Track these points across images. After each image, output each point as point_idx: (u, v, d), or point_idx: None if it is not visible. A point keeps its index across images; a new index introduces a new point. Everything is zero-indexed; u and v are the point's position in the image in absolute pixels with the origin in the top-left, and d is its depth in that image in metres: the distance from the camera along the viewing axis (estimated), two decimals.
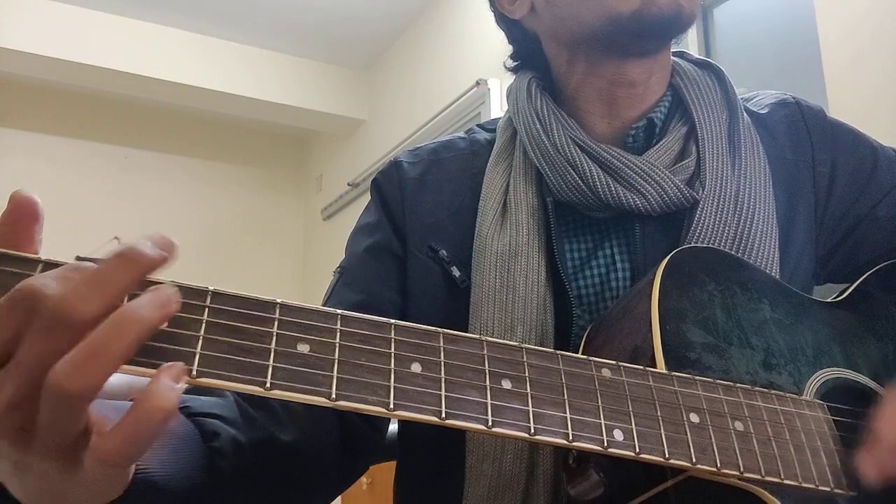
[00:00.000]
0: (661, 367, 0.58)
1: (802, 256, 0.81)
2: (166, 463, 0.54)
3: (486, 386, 0.49)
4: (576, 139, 0.79)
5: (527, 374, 0.51)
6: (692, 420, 0.55)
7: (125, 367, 0.40)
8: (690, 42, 2.72)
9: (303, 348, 0.45)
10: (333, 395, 0.44)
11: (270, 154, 5.66)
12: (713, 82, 0.85)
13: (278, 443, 0.67)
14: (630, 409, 0.53)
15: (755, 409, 0.58)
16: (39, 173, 4.72)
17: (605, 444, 0.51)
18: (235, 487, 0.63)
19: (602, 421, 0.51)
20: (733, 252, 0.73)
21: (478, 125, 0.95)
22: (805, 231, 0.82)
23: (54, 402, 0.38)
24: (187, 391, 0.66)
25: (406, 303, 0.82)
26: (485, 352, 0.50)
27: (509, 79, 0.93)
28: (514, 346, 0.52)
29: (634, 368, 0.56)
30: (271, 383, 0.43)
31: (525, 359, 0.52)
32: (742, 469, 0.55)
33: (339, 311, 0.47)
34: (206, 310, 0.44)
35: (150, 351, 0.41)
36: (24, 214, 0.43)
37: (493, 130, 0.91)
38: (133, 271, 0.40)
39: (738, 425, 0.57)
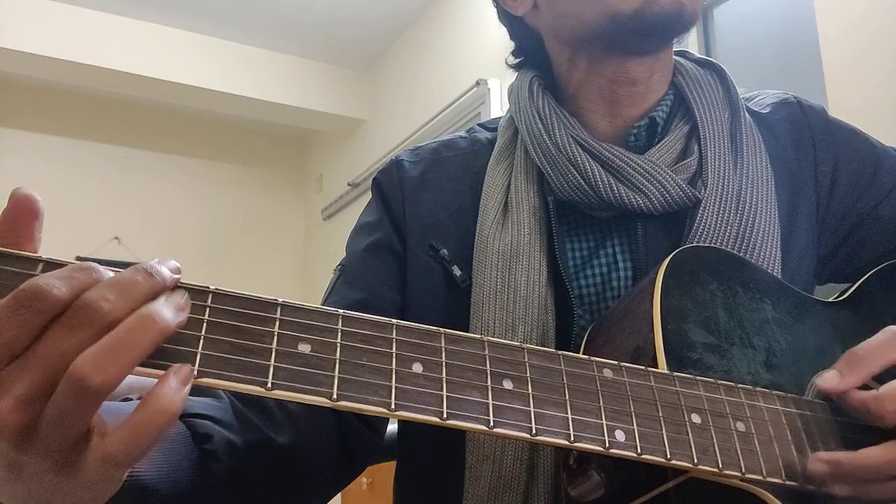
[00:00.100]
0: (662, 367, 0.58)
1: (804, 256, 0.81)
2: (156, 465, 0.54)
3: (487, 386, 0.49)
4: (577, 138, 0.78)
5: (528, 375, 0.51)
6: (694, 420, 0.55)
7: None
8: (690, 42, 2.72)
9: (304, 348, 0.45)
10: (335, 396, 0.44)
11: (270, 154, 5.66)
12: (715, 81, 0.85)
13: (274, 445, 0.67)
14: (632, 409, 0.53)
15: (757, 410, 0.58)
16: (39, 173, 4.72)
17: (607, 444, 0.51)
18: (229, 490, 0.62)
19: (604, 421, 0.51)
20: (735, 251, 0.73)
21: (479, 124, 0.95)
22: (807, 230, 0.82)
23: (73, 395, 0.38)
24: None
25: (406, 302, 0.82)
26: (486, 352, 0.50)
27: (509, 79, 0.92)
28: (516, 346, 0.52)
29: (636, 369, 0.55)
30: (272, 383, 0.43)
31: (526, 359, 0.51)
32: (744, 470, 0.54)
33: (340, 311, 0.47)
34: (208, 309, 0.44)
35: (153, 351, 0.41)
36: (24, 212, 0.43)
37: (495, 129, 0.91)
38: (154, 283, 0.42)
39: (740, 426, 0.56)
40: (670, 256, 0.65)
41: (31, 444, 0.39)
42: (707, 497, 0.56)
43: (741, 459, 0.55)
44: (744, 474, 0.54)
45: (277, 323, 0.45)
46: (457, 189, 0.86)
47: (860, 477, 0.56)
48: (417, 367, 0.47)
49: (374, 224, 0.87)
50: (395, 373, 0.46)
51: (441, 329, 0.50)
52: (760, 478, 0.55)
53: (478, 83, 3.68)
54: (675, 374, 0.57)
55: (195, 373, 0.42)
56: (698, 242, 0.73)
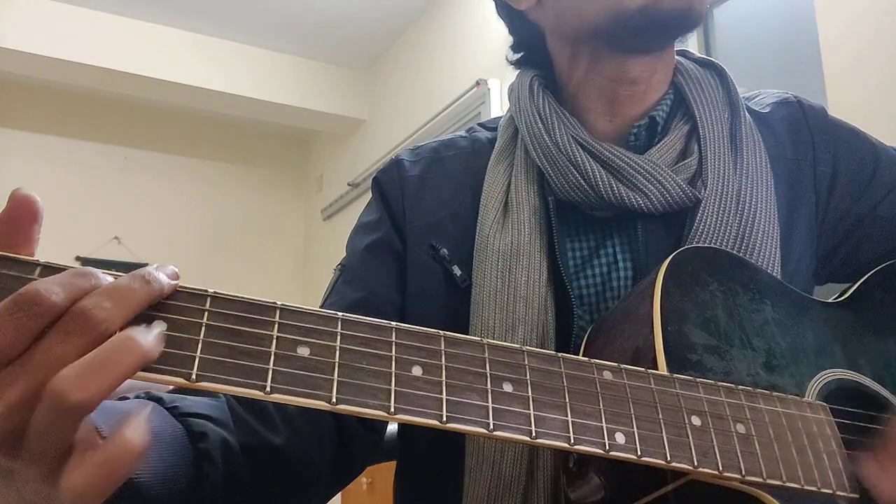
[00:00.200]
0: (662, 368, 0.58)
1: (803, 256, 0.81)
2: (151, 465, 0.54)
3: (487, 389, 0.49)
4: (578, 138, 0.78)
5: (528, 377, 0.51)
6: (694, 423, 0.55)
7: None
8: (690, 42, 2.71)
9: (303, 351, 0.45)
10: (334, 399, 0.44)
11: (270, 154, 5.66)
12: (715, 81, 0.85)
13: (270, 446, 0.67)
14: (632, 411, 0.53)
15: (757, 412, 0.58)
16: (39, 173, 4.73)
17: (607, 447, 0.50)
18: (225, 490, 0.62)
19: (604, 424, 0.51)
20: (735, 252, 0.73)
21: (479, 124, 0.95)
22: (806, 230, 0.82)
23: (53, 410, 0.37)
24: (179, 392, 0.66)
25: (406, 301, 0.82)
26: (486, 354, 0.50)
27: (509, 79, 0.92)
28: (516, 348, 0.52)
29: (636, 371, 0.55)
30: (271, 387, 0.43)
31: (526, 361, 0.51)
32: (744, 472, 0.54)
33: (339, 314, 0.47)
34: (206, 313, 0.44)
35: None
36: (23, 213, 0.43)
37: (495, 129, 0.91)
38: (151, 290, 0.42)
39: (740, 428, 0.56)
40: (670, 257, 0.65)
41: (20, 451, 0.39)
42: (707, 499, 0.56)
43: (741, 462, 0.54)
44: (744, 476, 0.54)
45: (276, 326, 0.45)
46: (457, 188, 0.86)
47: None
48: (417, 371, 0.47)
49: (374, 223, 0.87)
50: (395, 376, 0.46)
51: (441, 332, 0.50)
52: (761, 480, 0.55)
53: (478, 83, 3.68)
54: (675, 375, 0.57)
55: (194, 376, 0.42)
56: (698, 243, 0.73)
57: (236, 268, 5.13)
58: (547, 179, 0.80)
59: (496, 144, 0.87)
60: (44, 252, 0.43)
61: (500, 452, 0.71)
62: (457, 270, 0.80)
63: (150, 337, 0.40)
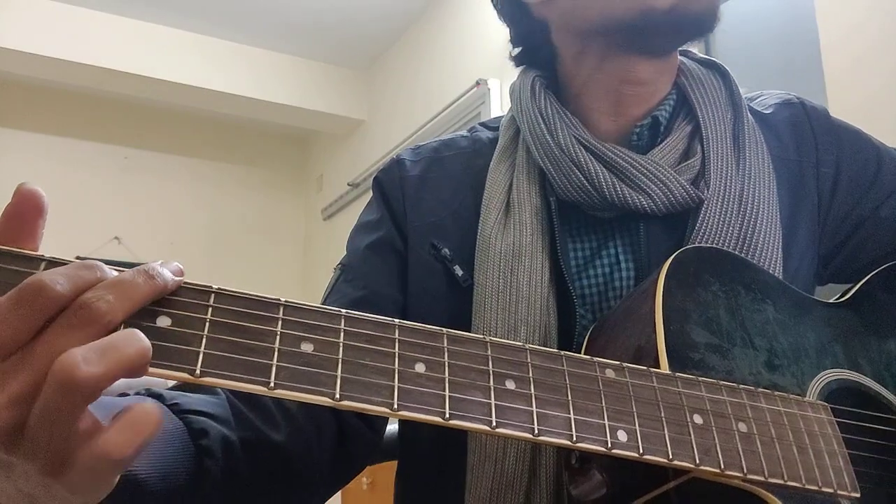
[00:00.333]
0: (664, 367, 0.58)
1: (805, 257, 0.81)
2: (152, 461, 0.54)
3: (489, 386, 0.49)
4: (580, 139, 0.78)
5: (530, 375, 0.51)
6: (696, 421, 0.55)
7: None
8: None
9: (307, 348, 0.45)
10: (337, 396, 0.44)
11: (270, 154, 5.66)
12: (718, 82, 0.85)
13: (270, 442, 0.67)
14: (634, 409, 0.53)
15: (759, 411, 0.58)
16: (39, 173, 4.72)
17: (609, 445, 0.51)
18: (225, 487, 0.62)
19: (606, 422, 0.51)
20: (737, 252, 0.73)
21: (480, 123, 0.95)
22: (808, 231, 0.82)
23: (59, 390, 0.37)
24: (181, 388, 0.66)
25: (407, 300, 0.82)
26: (489, 352, 0.50)
27: (509, 79, 0.92)
28: (518, 346, 0.52)
29: (638, 369, 0.55)
30: (275, 383, 0.43)
31: (529, 359, 0.51)
32: (745, 470, 0.54)
33: (342, 311, 0.47)
34: (210, 309, 0.44)
35: (155, 350, 0.41)
36: (28, 208, 0.43)
37: (496, 129, 0.91)
38: (155, 286, 0.42)
39: (742, 426, 0.56)
40: (672, 257, 0.65)
41: (19, 445, 0.39)
42: (708, 497, 0.56)
43: (743, 460, 0.55)
44: (745, 475, 0.54)
45: (280, 322, 0.45)
46: (458, 188, 0.86)
47: None
48: (420, 368, 0.47)
49: (375, 223, 0.87)
50: (398, 373, 0.46)
51: (444, 329, 0.50)
52: (762, 479, 0.55)
53: (478, 83, 3.68)
54: (677, 374, 0.57)
55: (198, 371, 0.42)
56: (700, 243, 0.73)
57: (236, 267, 5.13)
58: (549, 180, 0.80)
59: (498, 144, 0.87)
60: (43, 251, 0.43)
61: (503, 450, 0.71)
62: (458, 270, 0.80)
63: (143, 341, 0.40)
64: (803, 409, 0.61)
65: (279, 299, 0.46)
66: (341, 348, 0.46)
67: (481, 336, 0.51)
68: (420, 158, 0.89)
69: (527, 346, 0.52)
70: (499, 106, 3.57)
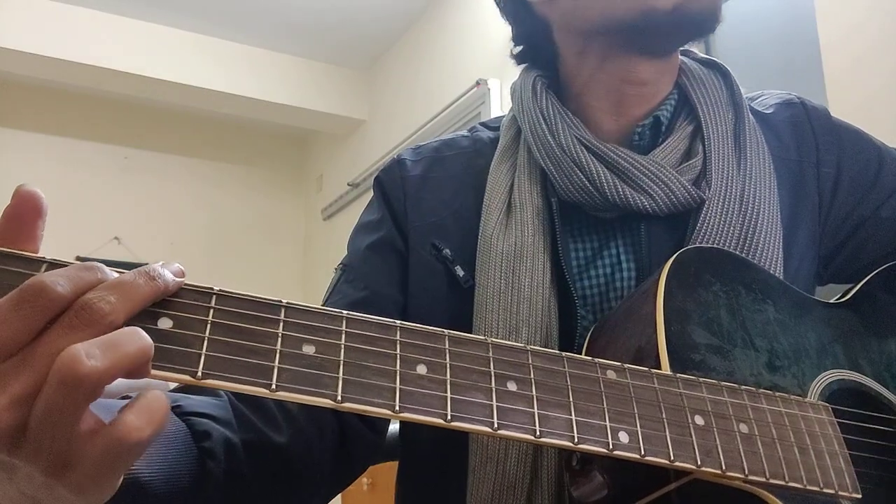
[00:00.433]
0: (665, 368, 0.58)
1: (806, 257, 0.81)
2: (154, 463, 0.54)
3: (491, 388, 0.49)
4: (582, 139, 0.78)
5: (532, 377, 0.51)
6: (697, 422, 0.55)
7: None
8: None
9: (308, 350, 0.45)
10: (339, 398, 0.44)
11: (270, 154, 5.66)
12: (719, 81, 0.85)
13: (272, 444, 0.67)
14: (635, 411, 0.53)
15: (760, 412, 0.58)
16: (39, 173, 4.72)
17: (611, 446, 0.51)
18: (227, 488, 0.62)
19: (607, 423, 0.51)
20: (738, 253, 0.73)
21: (481, 123, 0.95)
22: (808, 232, 0.82)
23: (61, 385, 0.37)
24: (182, 390, 0.66)
25: (408, 301, 0.82)
26: (490, 354, 0.50)
27: (509, 79, 0.92)
28: (520, 347, 0.52)
29: (639, 370, 0.55)
30: (277, 385, 0.43)
31: (530, 361, 0.51)
32: (747, 472, 0.54)
33: (344, 313, 0.47)
34: (212, 311, 0.44)
35: (157, 352, 0.41)
36: (28, 209, 0.43)
37: (497, 129, 0.91)
38: (156, 287, 0.42)
39: (743, 427, 0.57)
40: (674, 257, 0.65)
41: (22, 446, 0.39)
42: (710, 499, 0.56)
43: (744, 461, 0.55)
44: (747, 476, 0.54)
45: (281, 324, 0.45)
46: (459, 188, 0.86)
47: None
48: (421, 369, 0.47)
49: (375, 223, 0.87)
50: (400, 374, 0.46)
51: (445, 331, 0.50)
52: (764, 480, 0.55)
53: (478, 83, 3.68)
54: (679, 375, 0.57)
55: (199, 373, 0.42)
56: (701, 243, 0.73)
57: (236, 268, 5.13)
58: (550, 180, 0.80)
59: (499, 144, 0.87)
60: (43, 252, 0.43)
61: (505, 451, 0.71)
62: (459, 271, 0.80)
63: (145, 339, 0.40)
64: (804, 410, 0.61)
65: (280, 301, 0.46)
66: (343, 350, 0.46)
67: (483, 337, 0.51)
68: (421, 158, 0.89)
69: (528, 347, 0.52)
70: (499, 106, 3.57)
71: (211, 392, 0.67)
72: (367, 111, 4.95)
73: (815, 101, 0.90)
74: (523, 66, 0.91)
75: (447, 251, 0.81)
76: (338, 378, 0.44)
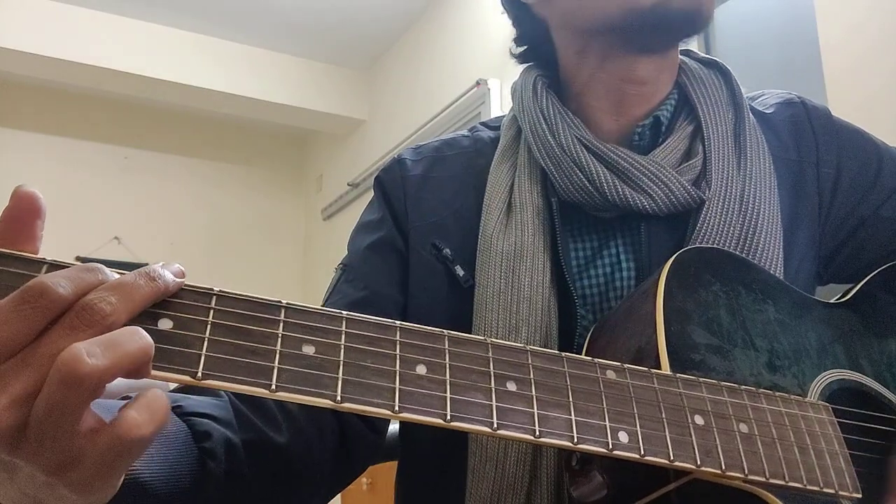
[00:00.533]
0: (665, 368, 0.58)
1: (806, 257, 0.81)
2: (154, 463, 0.54)
3: (490, 388, 0.49)
4: (582, 139, 0.78)
5: (531, 377, 0.51)
6: (697, 422, 0.55)
7: None
8: (691, 42, 2.71)
9: (308, 350, 0.45)
10: (338, 398, 0.44)
11: (270, 154, 5.66)
12: (719, 81, 0.85)
13: (272, 444, 0.67)
14: (635, 411, 0.53)
15: (760, 412, 0.58)
16: (39, 173, 4.73)
17: (611, 446, 0.50)
18: (228, 489, 0.62)
19: (607, 423, 0.51)
20: (738, 253, 0.73)
21: (481, 123, 0.95)
22: (808, 231, 0.82)
23: (62, 382, 0.37)
24: (183, 390, 0.66)
25: (408, 301, 0.82)
26: (490, 354, 0.50)
27: (509, 79, 0.92)
28: (519, 348, 0.52)
29: (639, 370, 0.55)
30: (276, 385, 0.43)
31: (530, 361, 0.51)
32: (747, 471, 0.54)
33: (343, 313, 0.47)
34: (211, 311, 0.44)
35: (157, 353, 0.41)
36: (26, 211, 0.43)
37: (497, 128, 0.91)
38: (156, 287, 0.42)
39: (743, 427, 0.56)
40: (673, 257, 0.65)
41: (23, 445, 0.39)
42: (709, 498, 0.56)
43: (744, 461, 0.55)
44: (746, 476, 0.54)
45: (281, 325, 0.45)
46: (459, 188, 0.86)
47: None
48: (421, 369, 0.47)
49: (376, 222, 0.87)
50: (399, 375, 0.46)
51: (445, 331, 0.50)
52: (763, 479, 0.55)
53: (478, 83, 3.68)
54: (678, 375, 0.57)
55: (199, 374, 0.42)
56: (701, 243, 0.73)
57: (236, 268, 5.13)
58: (550, 180, 0.80)
59: (499, 144, 0.87)
60: (43, 252, 0.43)
61: (504, 451, 0.71)
62: (459, 271, 0.80)
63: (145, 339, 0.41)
64: (804, 410, 0.61)
65: (280, 301, 0.46)
66: (342, 350, 0.46)
67: (482, 338, 0.51)
68: (421, 158, 0.89)
69: (528, 347, 0.52)
70: (499, 106, 3.57)
71: (212, 392, 0.67)
72: (367, 111, 4.95)
73: (815, 101, 0.90)
74: (524, 66, 0.91)
75: (447, 251, 0.81)
76: (337, 378, 0.44)
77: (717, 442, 0.54)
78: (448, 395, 0.47)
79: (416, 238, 0.83)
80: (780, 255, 0.76)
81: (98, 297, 0.40)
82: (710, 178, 0.77)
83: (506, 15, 0.90)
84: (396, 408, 0.45)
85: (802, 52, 2.38)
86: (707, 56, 0.88)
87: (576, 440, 0.50)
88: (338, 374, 0.45)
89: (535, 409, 0.49)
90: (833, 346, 0.69)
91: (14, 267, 0.41)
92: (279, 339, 0.44)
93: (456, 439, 0.72)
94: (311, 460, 0.71)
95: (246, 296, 0.45)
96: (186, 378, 0.42)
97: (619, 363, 0.55)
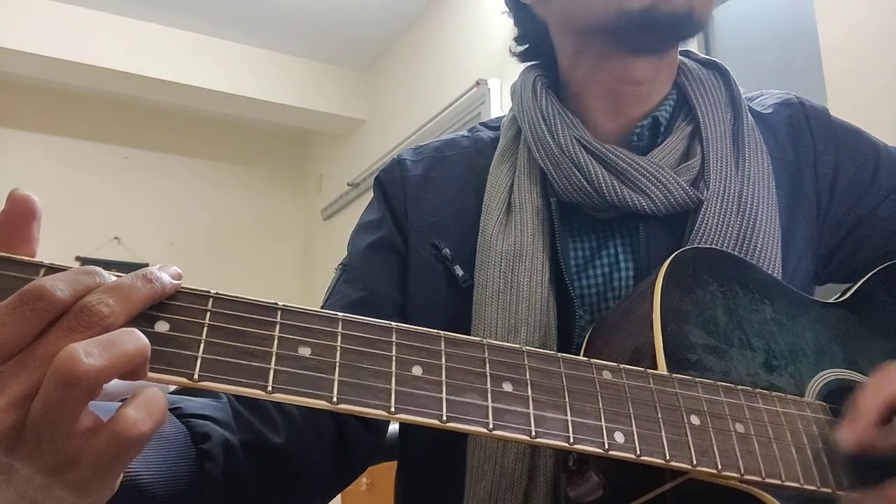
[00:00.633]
0: (661, 368, 0.58)
1: (804, 257, 0.81)
2: (153, 465, 0.54)
3: (487, 389, 0.49)
4: (581, 140, 0.78)
5: (528, 377, 0.51)
6: (693, 422, 0.55)
7: None
8: (691, 42, 2.71)
9: (304, 351, 0.45)
10: (335, 399, 0.44)
11: (270, 154, 5.66)
12: (718, 82, 0.85)
13: (271, 445, 0.67)
14: (631, 411, 0.53)
15: (756, 411, 0.58)
16: (39, 173, 4.73)
17: (607, 446, 0.51)
18: (226, 490, 0.62)
19: (603, 423, 0.51)
20: (736, 253, 0.73)
21: (481, 123, 0.95)
22: (806, 231, 0.82)
23: (59, 382, 0.37)
24: (181, 392, 0.66)
25: (407, 301, 0.82)
26: (486, 354, 0.50)
27: (509, 79, 0.92)
28: (516, 348, 0.52)
29: (635, 370, 0.56)
30: (273, 387, 0.43)
31: (526, 361, 0.52)
32: (743, 471, 0.54)
33: (340, 315, 0.47)
34: (208, 313, 0.44)
35: (154, 355, 0.41)
36: (21, 213, 0.43)
37: (497, 128, 0.91)
38: (153, 289, 0.43)
39: (739, 427, 0.57)
40: (671, 258, 0.65)
41: (20, 447, 0.39)
42: (706, 498, 0.56)
43: (740, 461, 0.55)
44: (742, 475, 0.54)
45: (278, 327, 0.45)
46: (459, 188, 0.86)
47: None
48: (417, 370, 0.47)
49: (376, 222, 0.87)
50: (395, 376, 0.46)
51: (441, 332, 0.50)
52: (759, 479, 0.55)
53: (478, 83, 3.68)
54: (674, 375, 0.57)
55: (196, 375, 0.42)
56: (699, 244, 0.74)
57: (236, 268, 5.13)
58: (550, 180, 0.80)
59: (499, 144, 0.88)
60: (43, 252, 0.44)
61: (503, 451, 0.71)
62: (459, 270, 0.80)
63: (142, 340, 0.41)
64: (801, 410, 0.61)
65: (276, 303, 0.46)
66: (339, 352, 0.46)
67: (478, 338, 0.51)
68: (421, 158, 0.89)
69: (524, 348, 0.52)
70: (499, 106, 3.57)
71: (211, 393, 0.67)
72: (367, 111, 4.95)
73: (814, 101, 0.90)
74: (524, 66, 0.91)
75: (447, 251, 0.81)
76: (333, 380, 0.45)
77: (713, 442, 0.55)
78: (444, 395, 0.47)
79: (415, 238, 0.83)
80: (778, 256, 0.76)
81: (96, 299, 0.40)
82: (708, 179, 0.77)
83: (508, 14, 0.90)
84: (392, 409, 0.45)
85: (802, 52, 2.38)
86: (706, 56, 0.89)
87: (572, 441, 0.50)
88: (334, 375, 0.45)
89: (532, 410, 0.49)
90: (830, 346, 0.69)
91: (11, 270, 0.41)
92: (275, 341, 0.44)
93: (455, 439, 0.73)
94: (309, 461, 0.71)
95: (242, 298, 0.45)
96: (183, 380, 0.42)
97: (615, 364, 0.55)
